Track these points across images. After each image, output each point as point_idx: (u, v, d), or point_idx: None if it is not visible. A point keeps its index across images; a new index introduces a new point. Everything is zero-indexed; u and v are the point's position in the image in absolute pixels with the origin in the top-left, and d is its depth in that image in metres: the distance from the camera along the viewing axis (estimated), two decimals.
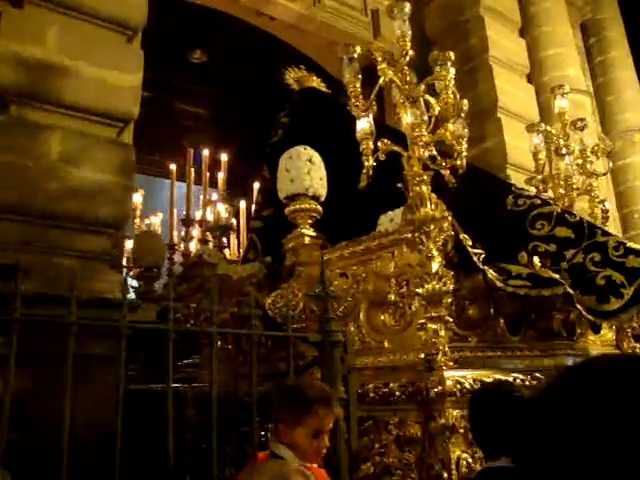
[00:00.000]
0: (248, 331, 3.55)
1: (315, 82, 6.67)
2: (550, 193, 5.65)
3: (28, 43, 4.94)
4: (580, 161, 5.63)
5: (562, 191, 5.55)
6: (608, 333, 5.22)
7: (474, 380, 3.57)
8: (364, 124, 4.42)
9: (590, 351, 4.82)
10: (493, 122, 9.12)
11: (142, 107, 5.56)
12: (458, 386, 3.48)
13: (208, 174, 7.51)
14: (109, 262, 5.11)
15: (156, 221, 7.08)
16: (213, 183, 8.89)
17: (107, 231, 5.10)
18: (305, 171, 4.80)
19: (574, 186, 5.55)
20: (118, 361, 2.96)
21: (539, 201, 4.81)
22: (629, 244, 4.42)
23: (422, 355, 3.70)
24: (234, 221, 8.09)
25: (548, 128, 5.87)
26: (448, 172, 4.24)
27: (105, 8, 5.37)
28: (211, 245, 6.81)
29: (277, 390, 3.20)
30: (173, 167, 7.10)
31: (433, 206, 4.00)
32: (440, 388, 3.45)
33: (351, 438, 3.53)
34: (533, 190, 5.70)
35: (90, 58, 5.18)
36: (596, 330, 4.94)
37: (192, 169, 7.09)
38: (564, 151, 5.58)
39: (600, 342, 5.10)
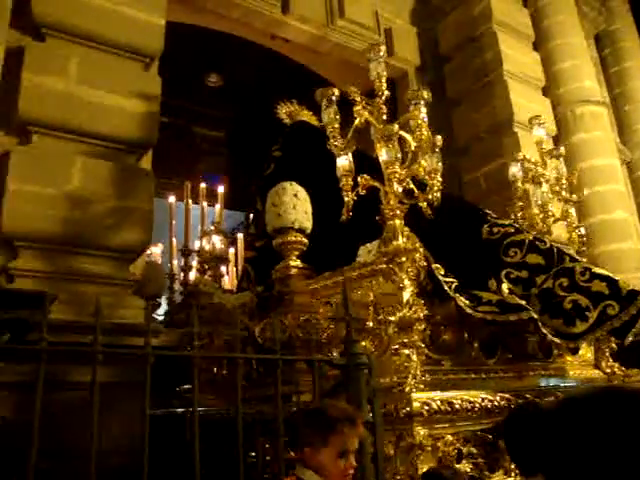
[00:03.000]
0: (272, 356, 3.65)
1: (306, 116, 7.12)
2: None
3: (50, 75, 5.33)
4: (557, 188, 6.06)
5: (542, 215, 6.00)
6: (587, 353, 5.62)
7: (442, 402, 3.96)
8: (343, 161, 4.90)
9: (566, 371, 5.26)
10: (510, 137, 9.32)
11: (160, 131, 5.87)
12: (426, 407, 3.86)
13: (206, 205, 8.02)
14: (132, 288, 5.41)
15: (156, 251, 7.49)
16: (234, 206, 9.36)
17: (130, 257, 5.45)
18: (291, 206, 5.24)
19: (549, 213, 5.98)
20: (143, 387, 3.02)
21: (512, 229, 5.24)
22: (594, 269, 4.84)
23: (395, 378, 4.11)
24: (232, 250, 8.58)
25: (527, 156, 6.31)
26: (426, 204, 4.67)
27: (124, 37, 5.77)
28: (208, 275, 7.29)
29: (300, 414, 3.31)
30: (172, 199, 7.53)
31: (405, 239, 4.47)
32: (408, 409, 3.82)
33: (379, 461, 3.61)
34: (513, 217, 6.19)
35: (110, 86, 5.57)
36: (574, 351, 5.34)
37: (189, 200, 7.54)
38: (541, 179, 6.05)
39: (578, 362, 5.52)
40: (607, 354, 5.60)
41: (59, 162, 5.25)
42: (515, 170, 6.43)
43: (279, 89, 11.58)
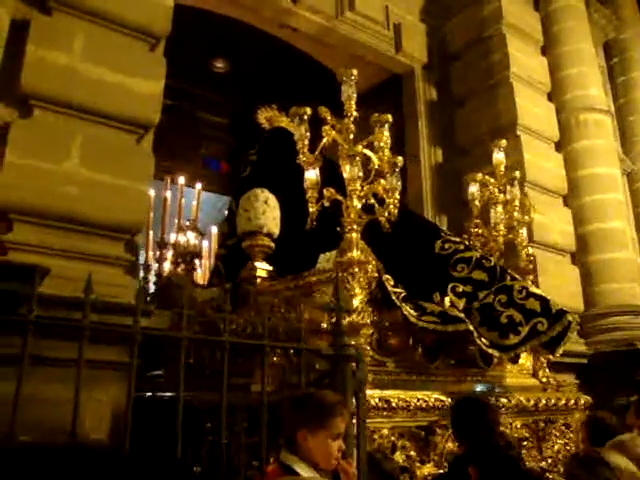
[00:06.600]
0: (259, 342, 3.76)
1: (284, 122, 7.83)
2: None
3: (55, 49, 5.53)
4: (509, 209, 6.91)
5: (494, 234, 6.83)
6: (526, 362, 6.44)
7: (380, 399, 4.74)
8: (311, 175, 5.65)
9: (503, 379, 6.09)
10: (512, 140, 9.41)
11: (163, 114, 6.09)
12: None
13: (184, 201, 8.82)
14: (125, 267, 5.65)
15: None
16: None
17: (124, 237, 5.67)
18: (261, 212, 5.99)
19: (501, 232, 6.81)
20: (130, 367, 3.16)
21: (462, 246, 6.02)
22: (531, 288, 5.65)
23: None
24: (206, 244, 9.39)
25: (487, 177, 7.11)
26: (384, 219, 5.43)
27: (131, 16, 5.97)
28: (181, 268, 8.06)
29: (292, 400, 3.45)
30: (151, 193, 7.91)
31: (359, 252, 5.24)
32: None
33: (361, 453, 3.84)
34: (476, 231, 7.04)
35: (114, 65, 5.77)
36: (514, 360, 6.15)
37: (169, 195, 8.32)
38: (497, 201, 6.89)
39: (517, 371, 6.32)
40: (544, 364, 6.46)
41: (59, 137, 5.46)
42: (474, 189, 7.23)
43: (285, 79, 12.31)
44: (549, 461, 5.79)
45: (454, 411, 4.80)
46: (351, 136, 5.66)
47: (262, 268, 6.01)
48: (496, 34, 10.51)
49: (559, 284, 9.17)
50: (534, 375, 6.49)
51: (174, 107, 12.30)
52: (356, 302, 5.10)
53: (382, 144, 5.63)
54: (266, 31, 10.27)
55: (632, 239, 11.40)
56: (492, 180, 7.15)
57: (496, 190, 7.02)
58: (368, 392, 4.58)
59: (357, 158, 5.51)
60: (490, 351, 5.49)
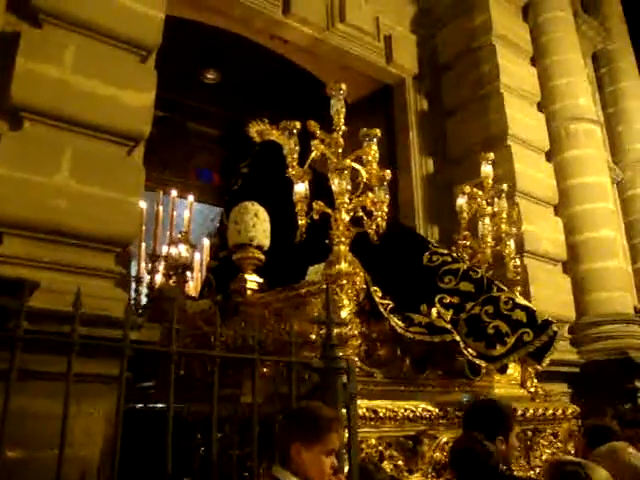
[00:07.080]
0: (251, 355, 3.83)
1: (275, 135, 7.93)
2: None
3: (45, 62, 5.55)
4: (497, 221, 7.04)
5: (482, 245, 6.94)
6: (515, 373, 6.54)
7: (367, 409, 4.81)
8: (300, 188, 5.76)
9: (491, 389, 6.16)
10: (503, 150, 9.77)
11: (153, 125, 6.11)
12: None
13: (175, 214, 8.93)
14: (115, 280, 5.63)
15: None
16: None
17: (114, 249, 5.67)
18: (251, 224, 6.08)
19: (488, 244, 6.94)
20: (119, 381, 3.18)
21: (450, 258, 6.12)
22: (517, 300, 5.77)
23: None
24: (198, 256, 9.48)
25: (475, 190, 7.22)
26: (372, 232, 5.53)
27: (122, 28, 6.00)
28: (173, 280, 8.16)
29: (287, 413, 3.50)
30: (143, 205, 7.93)
31: (347, 264, 5.33)
32: None
33: (352, 467, 3.89)
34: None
35: (105, 77, 5.79)
36: (502, 370, 6.19)
37: (160, 207, 8.47)
38: (484, 213, 7.01)
39: (505, 381, 6.41)
40: (532, 375, 6.55)
41: (49, 150, 5.46)
42: (462, 202, 7.35)
43: (277, 89, 12.40)
44: (537, 470, 5.86)
45: (466, 411, 5.02)
46: (340, 150, 5.73)
47: (252, 280, 6.10)
48: (486, 45, 10.66)
49: (551, 293, 9.30)
50: (522, 385, 6.58)
51: (165, 118, 12.36)
52: (344, 314, 5.16)
53: (370, 158, 5.70)
54: (257, 42, 10.36)
55: (623, 248, 11.54)
56: (480, 192, 7.22)
57: (484, 202, 7.10)
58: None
59: (345, 172, 5.60)
60: (477, 361, 5.60)
